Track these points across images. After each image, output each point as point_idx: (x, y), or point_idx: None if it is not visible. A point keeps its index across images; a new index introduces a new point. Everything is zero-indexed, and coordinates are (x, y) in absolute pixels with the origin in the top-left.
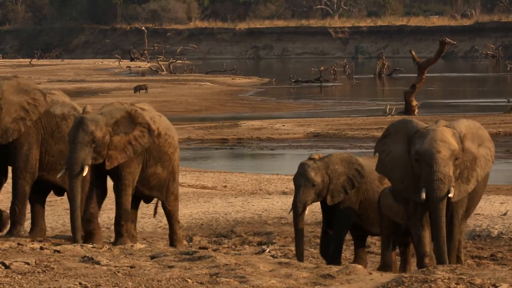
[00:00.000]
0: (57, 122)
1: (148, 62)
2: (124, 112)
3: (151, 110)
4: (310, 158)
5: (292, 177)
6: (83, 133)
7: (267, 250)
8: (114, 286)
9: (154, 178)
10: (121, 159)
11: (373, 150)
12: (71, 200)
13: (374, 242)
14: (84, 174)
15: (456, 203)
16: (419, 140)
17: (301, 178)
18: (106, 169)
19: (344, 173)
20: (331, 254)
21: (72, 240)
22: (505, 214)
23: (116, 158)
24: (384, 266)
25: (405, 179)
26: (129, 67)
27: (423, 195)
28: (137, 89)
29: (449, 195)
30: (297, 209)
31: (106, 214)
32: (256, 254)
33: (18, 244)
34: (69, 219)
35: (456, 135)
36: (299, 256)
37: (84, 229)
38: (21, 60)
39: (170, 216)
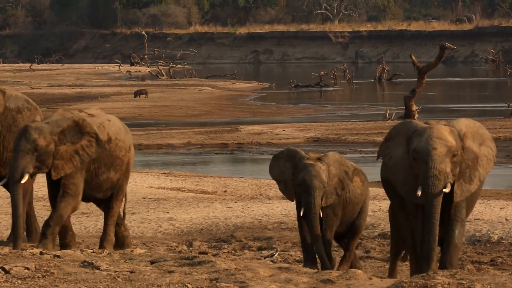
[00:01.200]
0: (13, 115)
1: (148, 67)
2: (71, 121)
3: (100, 115)
4: (310, 158)
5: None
6: (25, 141)
7: (276, 255)
8: None
9: (107, 183)
10: (68, 169)
11: (376, 155)
12: (13, 208)
13: (374, 248)
14: (23, 181)
15: (458, 203)
16: (417, 138)
17: (316, 180)
18: (53, 179)
19: (336, 174)
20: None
21: (13, 247)
22: (507, 219)
23: (63, 168)
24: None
25: (407, 182)
26: (129, 71)
27: (419, 193)
28: (137, 93)
29: (445, 190)
30: (317, 211)
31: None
32: (265, 258)
33: None
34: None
35: (454, 133)
36: (326, 262)
37: (60, 240)
38: (21, 64)
39: (109, 215)
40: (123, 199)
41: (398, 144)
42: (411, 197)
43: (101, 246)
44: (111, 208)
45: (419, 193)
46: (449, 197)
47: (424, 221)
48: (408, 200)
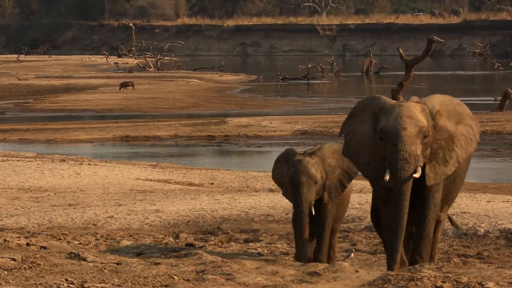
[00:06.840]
0: None
1: (135, 59)
2: None
3: None
4: (301, 153)
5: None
6: None
7: (351, 255)
8: (100, 283)
9: None
10: None
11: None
12: None
13: (360, 240)
14: None
15: (431, 186)
16: (385, 116)
17: (302, 175)
18: None
19: (338, 166)
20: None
21: None
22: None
23: None
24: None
25: (372, 162)
26: (117, 63)
27: (387, 177)
28: (123, 85)
29: (415, 175)
30: (304, 209)
31: (93, 210)
32: (344, 259)
33: (4, 240)
34: (57, 216)
35: (425, 111)
36: (304, 258)
37: None
38: (9, 56)
39: None
40: None
41: (363, 120)
42: (376, 180)
43: None
44: None
45: (387, 177)
46: (421, 181)
47: (391, 209)
48: (373, 183)
